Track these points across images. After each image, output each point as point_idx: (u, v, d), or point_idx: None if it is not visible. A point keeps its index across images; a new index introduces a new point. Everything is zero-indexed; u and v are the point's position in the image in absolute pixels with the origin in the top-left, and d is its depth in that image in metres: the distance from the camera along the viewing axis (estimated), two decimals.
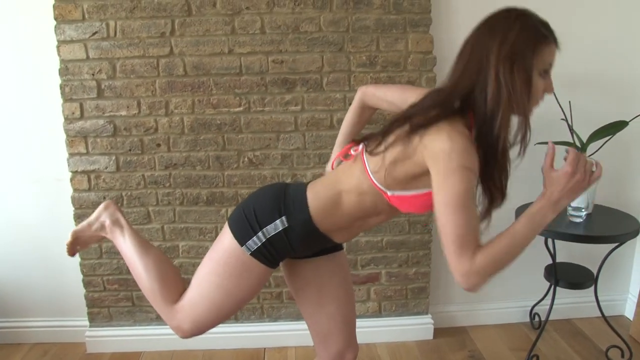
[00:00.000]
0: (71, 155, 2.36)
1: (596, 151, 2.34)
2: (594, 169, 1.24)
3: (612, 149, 2.40)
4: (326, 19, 2.28)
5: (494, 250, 1.21)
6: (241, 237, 1.44)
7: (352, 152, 1.45)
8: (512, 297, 2.72)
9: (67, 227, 2.42)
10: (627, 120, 2.31)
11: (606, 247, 2.35)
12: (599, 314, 2.43)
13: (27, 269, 2.56)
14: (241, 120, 2.35)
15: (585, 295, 2.61)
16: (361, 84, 2.34)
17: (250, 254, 1.43)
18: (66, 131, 2.33)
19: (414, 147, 1.25)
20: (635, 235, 2.21)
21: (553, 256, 2.33)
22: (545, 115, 2.42)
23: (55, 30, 2.24)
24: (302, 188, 1.47)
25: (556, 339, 2.59)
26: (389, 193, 1.34)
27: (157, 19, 2.25)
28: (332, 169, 1.60)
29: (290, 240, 1.43)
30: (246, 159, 2.39)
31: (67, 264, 2.52)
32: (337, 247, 1.64)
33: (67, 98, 2.30)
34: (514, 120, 1.27)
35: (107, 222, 1.66)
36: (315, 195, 1.44)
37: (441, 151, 1.19)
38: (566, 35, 2.52)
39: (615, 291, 2.76)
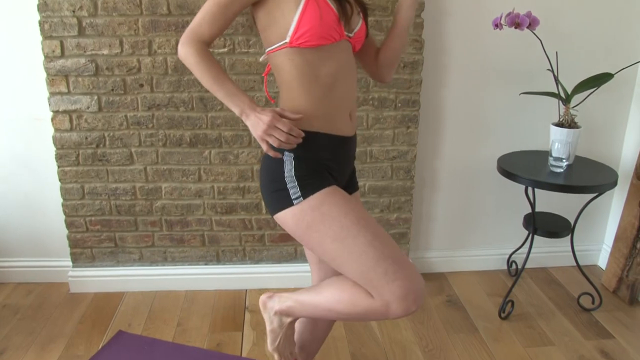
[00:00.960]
0: (52, 94, 2.32)
1: (580, 102, 2.35)
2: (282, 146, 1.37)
3: (596, 101, 2.42)
4: None
5: (206, 62, 1.36)
6: (286, 203, 1.40)
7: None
8: (491, 244, 2.78)
9: (47, 167, 2.45)
10: (613, 72, 2.31)
11: (584, 198, 2.40)
12: (574, 263, 2.50)
13: (7, 209, 2.55)
14: (226, 61, 2.32)
15: (561, 245, 2.68)
16: None
17: (303, 199, 1.39)
18: (46, 70, 2.29)
19: None
20: (613, 187, 2.25)
21: (532, 205, 2.37)
22: (531, 65, 2.44)
23: None
24: None
25: (531, 285, 2.66)
26: (287, 40, 1.38)
27: None
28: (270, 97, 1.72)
29: (306, 160, 1.42)
30: None
31: (49, 205, 2.53)
32: (353, 187, 1.63)
33: (46, 35, 2.25)
34: None
35: (278, 308, 1.55)
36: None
37: None
38: None
39: (591, 241, 2.83)
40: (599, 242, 2.84)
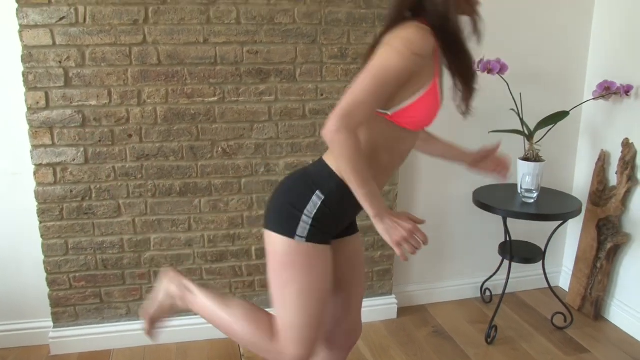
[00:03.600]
0: (35, 147, 2.23)
1: (541, 139, 2.59)
2: (410, 249, 1.37)
3: (556, 136, 2.68)
4: (300, 11, 2.33)
5: (360, 155, 1.31)
6: (289, 231, 1.43)
7: None
8: (465, 274, 2.94)
9: (24, 224, 2.34)
10: (568, 110, 2.58)
11: (550, 225, 2.62)
12: (539, 287, 2.73)
13: None
14: (215, 110, 2.35)
15: (528, 270, 2.90)
16: (332, 75, 2.43)
17: (305, 241, 1.43)
18: (29, 122, 2.20)
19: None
20: (579, 213, 2.49)
21: (508, 234, 2.56)
22: (498, 106, 2.65)
23: (17, 14, 2.10)
24: (320, 161, 1.52)
25: (506, 311, 2.83)
26: (389, 113, 1.40)
27: (130, 5, 2.18)
28: None
29: (331, 209, 1.45)
30: (220, 149, 2.39)
31: (25, 263, 2.41)
32: (354, 229, 1.70)
33: (30, 86, 2.18)
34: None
35: (176, 292, 1.63)
36: (335, 159, 1.47)
37: (392, 35, 1.35)
38: (518, 38, 2.76)
39: (552, 265, 3.06)
40: (559, 265, 3.09)
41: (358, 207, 1.53)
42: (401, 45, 1.31)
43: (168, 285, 1.66)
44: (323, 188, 1.45)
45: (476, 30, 1.44)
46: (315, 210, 1.44)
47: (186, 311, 1.67)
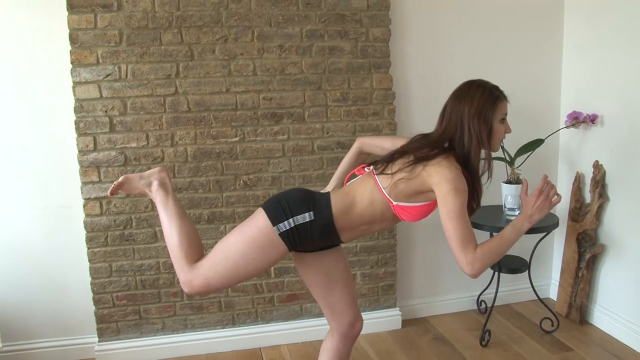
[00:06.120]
0: (84, 183, 2.62)
1: (521, 164, 2.95)
2: (555, 198, 1.82)
3: (534, 161, 3.03)
4: (307, 63, 2.75)
5: (490, 245, 1.73)
6: (275, 220, 1.82)
7: (365, 170, 1.95)
8: (462, 288, 3.26)
9: (73, 250, 2.70)
10: (543, 138, 2.95)
11: (534, 239, 2.95)
12: (531, 298, 3.04)
13: (32, 292, 2.74)
14: (237, 148, 2.74)
15: (519, 284, 3.22)
16: (336, 116, 2.82)
17: (278, 234, 1.81)
18: (80, 162, 2.60)
19: (418, 172, 1.78)
20: (556, 226, 2.83)
21: None
22: None
23: (71, 73, 2.54)
24: (326, 195, 1.91)
25: (500, 319, 3.14)
26: (394, 203, 1.82)
27: (164, 63, 2.61)
28: (346, 184, 2.03)
29: (312, 230, 1.83)
30: (241, 181, 2.77)
31: (73, 285, 2.76)
32: (337, 243, 2.05)
33: (81, 133, 2.58)
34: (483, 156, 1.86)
35: (156, 183, 1.96)
36: (337, 200, 1.87)
37: (444, 178, 1.74)
38: (496, 76, 3.14)
39: (542, 278, 3.38)
40: (548, 277, 3.41)
41: (334, 239, 1.93)
42: (456, 186, 1.72)
43: (154, 176, 1.98)
44: (317, 213, 1.84)
45: (489, 169, 1.88)
46: (301, 222, 1.83)
47: (144, 195, 2.05)
